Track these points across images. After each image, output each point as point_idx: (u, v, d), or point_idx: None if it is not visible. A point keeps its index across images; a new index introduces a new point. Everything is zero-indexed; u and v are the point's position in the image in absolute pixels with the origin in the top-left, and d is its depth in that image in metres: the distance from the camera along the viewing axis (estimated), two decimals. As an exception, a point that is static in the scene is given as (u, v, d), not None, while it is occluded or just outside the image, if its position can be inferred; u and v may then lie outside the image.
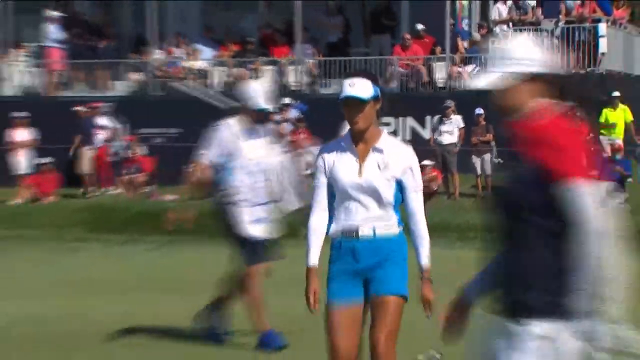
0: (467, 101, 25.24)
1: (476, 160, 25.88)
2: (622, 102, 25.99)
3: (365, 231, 6.36)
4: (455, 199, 25.69)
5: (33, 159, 27.21)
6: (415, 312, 6.67)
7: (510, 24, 30.51)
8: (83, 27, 31.34)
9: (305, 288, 6.45)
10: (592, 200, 3.97)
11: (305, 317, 7.77)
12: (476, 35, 29.99)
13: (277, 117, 24.93)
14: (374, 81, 6.48)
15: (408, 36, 29.00)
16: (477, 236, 18.57)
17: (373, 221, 6.38)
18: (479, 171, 25.89)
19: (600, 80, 27.73)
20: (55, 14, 29.81)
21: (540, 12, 30.37)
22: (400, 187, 6.44)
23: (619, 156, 25.01)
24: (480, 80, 4.22)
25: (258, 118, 9.83)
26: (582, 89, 4.41)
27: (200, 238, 18.90)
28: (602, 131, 25.35)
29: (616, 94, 26.05)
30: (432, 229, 18.59)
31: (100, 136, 27.62)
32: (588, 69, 28.60)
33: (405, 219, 6.47)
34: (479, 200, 25.04)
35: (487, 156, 25.79)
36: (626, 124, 25.69)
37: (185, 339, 10.99)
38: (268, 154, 10.08)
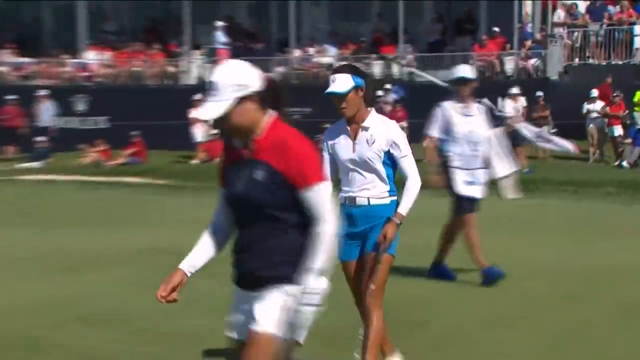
0: (529, 86, 27.09)
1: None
2: None
3: (360, 200, 6.28)
4: (520, 159, 23.01)
5: (207, 130, 27.76)
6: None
7: (566, 27, 30.54)
8: (242, 33, 32.61)
9: None
10: (326, 197, 4.21)
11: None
12: (537, 36, 30.81)
13: (381, 99, 26.80)
14: (356, 73, 6.32)
15: (485, 37, 30.18)
16: (538, 188, 20.31)
17: (367, 191, 6.28)
18: None
19: (636, 69, 28.40)
20: (222, 23, 31.16)
21: (588, 17, 30.64)
22: (390, 156, 6.31)
23: None
24: (210, 112, 4.29)
25: (462, 91, 9.76)
26: (276, 94, 4.55)
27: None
28: (635, 108, 26.14)
29: None
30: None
31: None
32: (625, 61, 29.18)
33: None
34: (539, 160, 25.74)
35: (545, 128, 25.29)
36: None
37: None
38: (479, 127, 9.93)
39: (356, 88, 6.22)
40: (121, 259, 12.05)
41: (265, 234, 4.34)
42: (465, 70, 10.15)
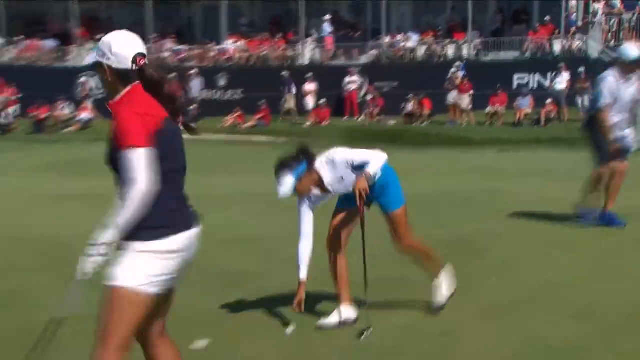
0: (573, 63, 26.65)
1: (578, 100, 25.71)
2: None
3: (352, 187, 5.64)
4: (564, 122, 25.46)
5: (316, 100, 28.38)
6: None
7: (604, 15, 29.80)
8: (344, 24, 32.38)
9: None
10: (136, 161, 3.55)
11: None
12: (580, 24, 30.17)
13: (453, 75, 26.83)
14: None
15: (538, 25, 29.72)
16: (581, 145, 20.87)
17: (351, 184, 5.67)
18: (580, 106, 25.43)
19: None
20: (328, 17, 31.22)
21: (623, 7, 29.76)
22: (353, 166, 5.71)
23: None
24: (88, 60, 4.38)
25: (630, 69, 8.87)
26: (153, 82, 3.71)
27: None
28: None
29: None
30: (551, 140, 20.07)
31: (350, 86, 28.76)
32: (651, 45, 29.36)
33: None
34: (580, 124, 26.14)
35: (586, 96, 24.26)
36: None
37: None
38: (635, 93, 9.08)
39: None
40: (252, 198, 12.10)
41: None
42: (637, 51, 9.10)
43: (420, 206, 9.78)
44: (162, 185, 3.67)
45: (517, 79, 28.25)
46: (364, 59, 30.91)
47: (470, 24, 29.80)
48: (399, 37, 31.20)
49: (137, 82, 3.71)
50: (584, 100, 25.45)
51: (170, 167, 3.76)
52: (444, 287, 5.86)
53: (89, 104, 29.19)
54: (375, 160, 5.52)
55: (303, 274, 5.72)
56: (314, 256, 5.82)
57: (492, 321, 5.75)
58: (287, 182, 5.56)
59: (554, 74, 27.05)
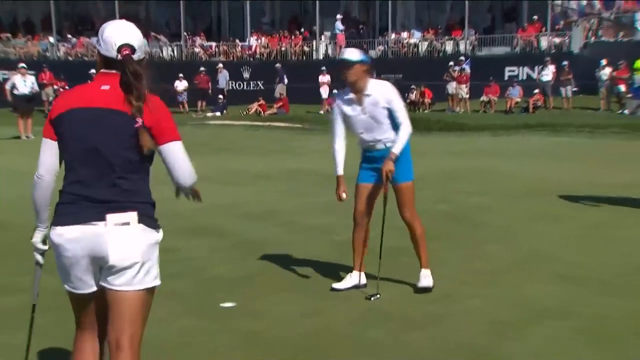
0: (558, 57, 26.63)
1: (562, 90, 25.84)
2: None
3: (378, 146, 5.50)
4: (550, 109, 25.82)
5: (329, 90, 27.48)
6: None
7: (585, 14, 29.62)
8: (354, 23, 32.30)
9: (335, 188, 5.67)
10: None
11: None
12: (567, 23, 29.69)
13: (456, 67, 26.69)
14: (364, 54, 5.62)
15: (526, 23, 29.48)
16: (564, 129, 19.79)
17: (381, 138, 5.50)
18: (563, 95, 25.87)
19: (636, 44, 27.25)
20: (340, 16, 30.93)
21: (602, 6, 29.79)
22: (390, 110, 5.44)
23: None
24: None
25: None
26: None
27: None
28: (634, 72, 24.50)
29: None
30: (538, 125, 20.35)
31: None
32: (627, 39, 28.27)
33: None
34: (565, 110, 25.28)
35: (569, 87, 25.89)
36: None
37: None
38: None
39: (361, 62, 5.47)
40: (273, 176, 12.15)
41: None
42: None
43: (423, 184, 10.07)
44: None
45: (508, 72, 28.16)
46: (372, 54, 30.49)
47: (466, 22, 29.54)
48: (404, 34, 31.18)
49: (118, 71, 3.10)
50: (567, 91, 26.01)
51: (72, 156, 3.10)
52: (427, 277, 5.66)
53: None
54: (404, 136, 5.45)
55: (340, 170, 5.68)
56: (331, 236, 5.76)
57: (485, 285, 5.71)
58: (354, 53, 5.51)
59: (540, 67, 26.88)
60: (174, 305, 5.13)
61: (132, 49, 3.10)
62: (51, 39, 33.91)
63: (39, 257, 3.31)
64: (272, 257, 6.65)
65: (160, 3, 34.95)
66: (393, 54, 30.63)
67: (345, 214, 8.17)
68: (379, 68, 28.06)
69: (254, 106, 27.82)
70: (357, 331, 4.71)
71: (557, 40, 28.88)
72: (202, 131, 22.01)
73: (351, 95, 5.52)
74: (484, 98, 26.73)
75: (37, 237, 3.27)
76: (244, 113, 27.37)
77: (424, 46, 30.17)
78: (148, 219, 3.08)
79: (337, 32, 31.10)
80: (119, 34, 3.12)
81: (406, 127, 5.46)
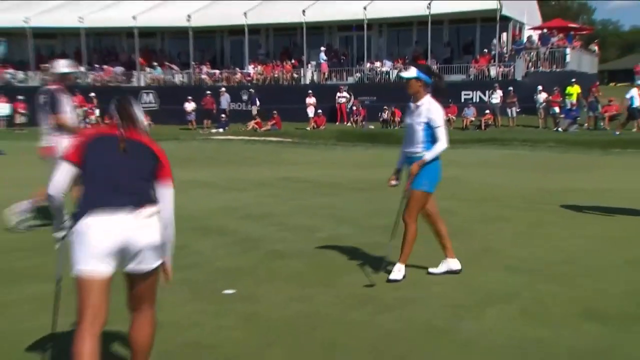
0: (504, 83, 26.71)
1: (508, 110, 26.02)
2: (577, 83, 25.54)
3: (407, 153, 5.45)
4: (498, 127, 25.68)
5: (315, 110, 27.88)
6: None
7: (525, 49, 29.39)
8: (336, 54, 31.88)
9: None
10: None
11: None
12: (511, 55, 29.45)
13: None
14: (420, 69, 5.38)
15: (478, 55, 29.41)
16: (510, 143, 19.80)
17: (412, 147, 5.38)
18: (509, 115, 25.95)
19: (567, 74, 27.21)
20: (323, 48, 30.80)
21: (540, 43, 29.69)
22: (429, 126, 5.24)
23: (573, 108, 25.01)
24: None
25: None
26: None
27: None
28: (566, 96, 25.27)
29: (573, 80, 25.83)
30: (489, 140, 20.46)
31: (340, 99, 28.38)
32: (560, 69, 28.35)
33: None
34: (510, 127, 25.23)
35: (514, 108, 26.02)
36: (577, 94, 25.30)
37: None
38: None
39: (417, 78, 5.34)
40: (269, 183, 12.05)
41: None
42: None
43: (394, 190, 10.21)
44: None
45: (464, 95, 28.04)
46: (351, 80, 30.74)
47: (429, 54, 29.51)
48: (377, 63, 31.02)
49: None
50: (512, 111, 26.21)
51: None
52: (399, 271, 5.51)
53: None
54: (437, 148, 5.32)
55: (398, 163, 5.65)
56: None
57: (447, 274, 5.70)
58: (410, 72, 5.38)
59: (490, 91, 26.94)
60: (184, 292, 5.12)
61: None
62: (82, 68, 33.69)
63: (57, 244, 3.42)
64: (267, 251, 6.62)
65: (173, 38, 34.94)
66: (368, 79, 30.54)
67: (328, 215, 8.43)
68: (357, 91, 28.77)
69: (251, 124, 27.70)
70: (338, 313, 4.71)
71: (503, 69, 28.92)
72: (208, 145, 22.04)
73: (411, 105, 5.46)
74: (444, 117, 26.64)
75: (56, 232, 3.43)
76: (243, 129, 27.24)
77: (394, 73, 29.91)
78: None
79: (322, 61, 30.95)
80: None
81: (442, 143, 5.32)
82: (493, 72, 28.93)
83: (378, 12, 29.88)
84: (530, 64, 29.43)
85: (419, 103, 5.35)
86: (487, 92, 27.62)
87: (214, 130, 27.67)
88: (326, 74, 31.14)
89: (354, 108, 28.34)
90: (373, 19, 30.30)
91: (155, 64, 33.56)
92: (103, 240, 3.04)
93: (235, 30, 32.45)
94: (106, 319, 3.16)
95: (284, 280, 5.58)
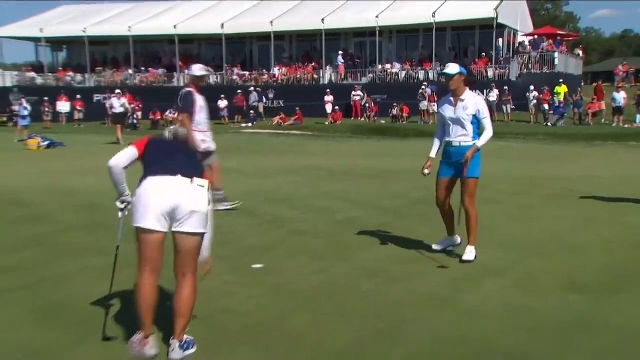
0: (500, 83, 26.23)
1: (504, 107, 25.75)
2: (564, 84, 25.27)
3: (454, 143, 5.13)
4: (495, 122, 25.43)
5: (332, 107, 27.40)
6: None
7: (519, 53, 29.30)
8: (351, 57, 31.49)
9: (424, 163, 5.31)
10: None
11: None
12: (506, 59, 29.18)
13: (422, 91, 26.06)
14: (461, 65, 5.15)
15: (477, 59, 28.81)
16: (505, 136, 18.63)
17: (459, 137, 5.11)
18: (504, 111, 25.71)
19: (555, 75, 27.03)
20: (341, 52, 30.56)
21: (531, 48, 29.21)
22: (476, 117, 5.05)
23: (561, 105, 24.64)
24: None
25: None
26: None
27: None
28: (555, 95, 24.87)
29: (561, 80, 25.53)
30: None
31: (355, 97, 28.13)
32: (550, 71, 28.00)
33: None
34: (505, 122, 24.67)
35: (509, 105, 25.75)
36: (564, 93, 24.93)
37: None
38: None
39: (460, 74, 5.10)
40: (292, 171, 11.95)
41: None
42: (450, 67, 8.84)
43: (402, 177, 10.27)
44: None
45: (465, 93, 27.77)
46: (364, 80, 30.46)
47: (434, 57, 29.15)
48: (388, 65, 30.76)
49: None
50: (507, 108, 25.94)
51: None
52: (471, 252, 5.30)
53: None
54: (486, 136, 5.08)
55: (432, 153, 5.35)
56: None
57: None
58: (454, 68, 5.09)
59: (488, 90, 26.41)
60: (218, 266, 4.99)
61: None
62: (130, 71, 34.13)
63: (119, 214, 3.54)
64: (290, 230, 6.62)
65: (208, 44, 34.86)
66: (380, 80, 30.27)
67: (344, 199, 8.42)
68: (370, 90, 28.61)
69: (276, 119, 27.54)
70: (351, 284, 4.69)
71: (500, 71, 28.53)
72: (239, 138, 21.93)
73: (451, 99, 5.18)
74: None
75: (118, 201, 3.55)
76: (269, 124, 27.11)
77: (402, 74, 29.80)
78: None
79: (339, 63, 30.74)
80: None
81: (489, 131, 5.12)
82: (490, 73, 28.47)
83: (389, 21, 29.86)
84: (523, 66, 29.05)
85: (462, 97, 5.08)
86: (485, 91, 26.76)
87: (243, 125, 27.54)
88: (342, 75, 30.92)
89: (367, 105, 28.04)
90: (384, 26, 30.18)
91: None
92: (157, 202, 3.13)
93: (263, 37, 32.37)
94: (160, 268, 3.28)
95: (305, 255, 5.56)
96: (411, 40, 32.11)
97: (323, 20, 30.54)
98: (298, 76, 31.57)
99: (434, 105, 25.94)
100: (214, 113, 28.75)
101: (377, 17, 29.72)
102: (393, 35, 32.38)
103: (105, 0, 36.98)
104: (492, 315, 3.99)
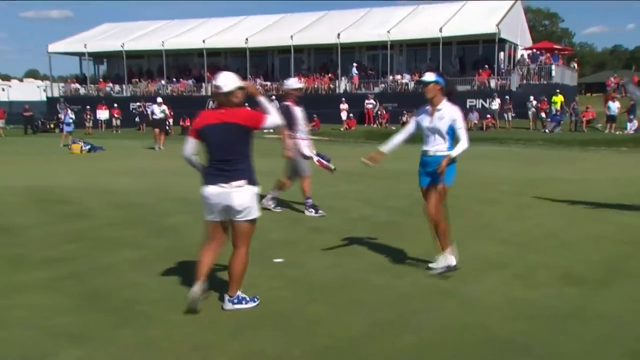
0: (502, 93, 26.12)
1: (505, 115, 25.59)
2: (560, 93, 25.00)
3: (430, 152, 4.69)
4: (497, 128, 25.15)
5: (347, 114, 27.42)
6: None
7: (519, 65, 29.31)
8: (364, 69, 31.39)
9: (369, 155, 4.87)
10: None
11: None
12: (508, 70, 29.01)
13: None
14: (439, 75, 4.72)
15: (481, 70, 28.51)
16: (506, 142, 19.41)
17: (435, 147, 4.67)
18: (506, 119, 25.51)
19: (552, 85, 26.75)
20: (355, 64, 30.25)
21: (530, 60, 29.04)
22: (452, 128, 4.55)
23: (558, 113, 24.51)
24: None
25: None
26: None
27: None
28: (552, 104, 24.67)
29: (558, 90, 25.29)
30: (490, 139, 20.23)
31: (368, 105, 28.08)
32: (547, 82, 27.80)
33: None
34: (507, 129, 24.54)
35: (510, 113, 25.57)
36: (561, 102, 24.71)
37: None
38: None
39: (436, 82, 4.66)
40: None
41: None
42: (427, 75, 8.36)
43: (408, 178, 10.06)
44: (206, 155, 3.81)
45: (469, 102, 27.46)
46: (377, 89, 30.34)
47: (440, 68, 28.86)
48: (398, 76, 30.61)
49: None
50: (508, 116, 25.76)
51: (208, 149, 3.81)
52: (444, 259, 4.78)
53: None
54: (461, 146, 4.61)
55: (383, 148, 4.85)
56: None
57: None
58: (430, 76, 4.70)
59: (490, 99, 26.47)
60: None
61: (218, 87, 3.83)
62: (163, 82, 34.43)
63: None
64: (308, 227, 6.61)
65: (233, 56, 34.96)
66: (391, 90, 30.13)
67: (357, 199, 8.39)
68: (382, 99, 28.44)
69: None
70: (363, 277, 4.68)
71: (501, 82, 28.28)
72: (261, 142, 21.72)
73: (427, 108, 4.74)
74: None
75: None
76: (289, 130, 27.20)
77: (412, 85, 29.57)
78: (251, 181, 3.80)
79: (353, 74, 30.68)
80: (216, 79, 3.90)
81: (464, 142, 4.60)
82: (493, 83, 28.31)
83: (399, 35, 29.87)
84: (522, 77, 28.94)
85: (439, 107, 4.63)
86: (487, 100, 27.09)
87: (265, 131, 27.68)
88: (356, 85, 30.83)
89: (379, 112, 28.04)
90: (395, 40, 30.20)
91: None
92: (212, 203, 3.80)
93: (284, 50, 32.43)
94: (221, 243, 3.93)
95: (322, 250, 5.55)
96: (420, 53, 31.97)
97: (339, 35, 30.57)
98: (315, 86, 31.52)
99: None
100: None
101: (388, 32, 29.85)
102: (403, 48, 32.28)
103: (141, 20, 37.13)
104: (493, 306, 3.97)
